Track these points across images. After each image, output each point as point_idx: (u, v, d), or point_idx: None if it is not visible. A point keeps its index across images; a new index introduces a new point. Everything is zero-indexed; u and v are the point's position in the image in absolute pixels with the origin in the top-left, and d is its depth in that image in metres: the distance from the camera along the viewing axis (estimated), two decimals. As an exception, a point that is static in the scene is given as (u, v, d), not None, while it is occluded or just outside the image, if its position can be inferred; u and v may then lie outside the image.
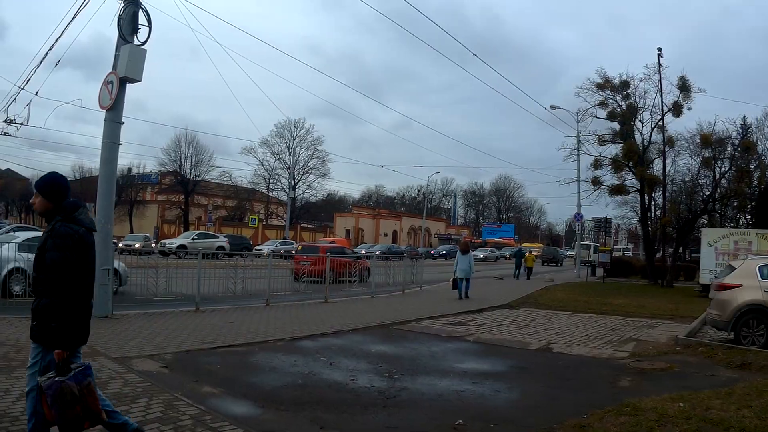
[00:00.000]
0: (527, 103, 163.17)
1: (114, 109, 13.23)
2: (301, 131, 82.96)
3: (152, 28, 13.23)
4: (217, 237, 50.80)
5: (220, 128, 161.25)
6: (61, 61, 18.02)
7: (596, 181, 39.25)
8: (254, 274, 18.77)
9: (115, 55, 13.38)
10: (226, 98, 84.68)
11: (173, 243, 44.71)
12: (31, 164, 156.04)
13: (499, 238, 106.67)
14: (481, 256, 68.02)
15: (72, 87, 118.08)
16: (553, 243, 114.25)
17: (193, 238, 47.07)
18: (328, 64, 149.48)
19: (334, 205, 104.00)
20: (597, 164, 39.18)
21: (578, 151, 40.89)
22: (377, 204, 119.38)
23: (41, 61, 18.25)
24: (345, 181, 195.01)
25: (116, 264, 15.32)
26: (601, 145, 39.52)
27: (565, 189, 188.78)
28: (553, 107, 41.11)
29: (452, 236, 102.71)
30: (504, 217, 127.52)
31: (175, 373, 8.57)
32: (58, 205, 4.74)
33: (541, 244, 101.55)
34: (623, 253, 78.94)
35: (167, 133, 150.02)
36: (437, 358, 10.99)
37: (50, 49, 17.45)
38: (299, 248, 37.37)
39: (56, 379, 4.41)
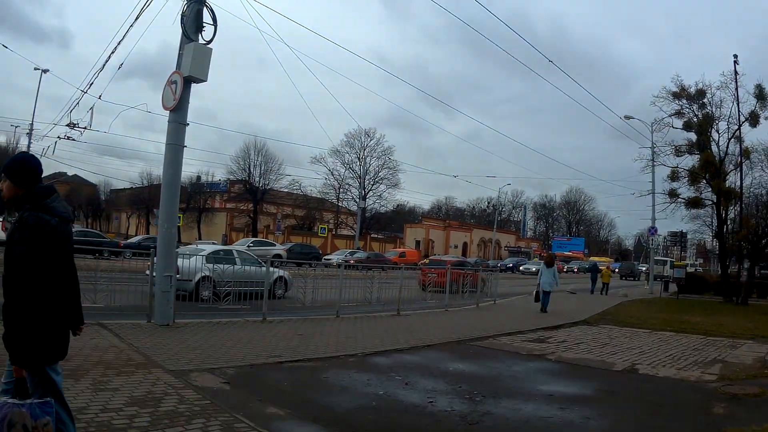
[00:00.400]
0: (598, 115, 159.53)
1: (178, 110, 12.64)
2: (372, 141, 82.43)
3: (217, 27, 12.65)
4: (274, 245, 49.72)
5: (287, 138, 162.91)
6: (129, 70, 17.87)
7: (673, 194, 37.64)
8: (324, 284, 18.06)
9: (179, 54, 12.81)
10: (293, 108, 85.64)
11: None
12: (100, 170, 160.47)
13: (569, 251, 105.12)
14: (533, 269, 66.26)
15: (140, 96, 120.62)
16: (623, 257, 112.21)
17: (249, 245, 44.62)
18: (397, 74, 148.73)
19: (403, 216, 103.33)
20: (674, 176, 37.56)
21: (653, 162, 39.14)
22: (447, 215, 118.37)
23: (104, 64, 17.92)
24: (414, 191, 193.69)
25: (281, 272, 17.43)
26: (678, 156, 37.94)
27: (635, 203, 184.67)
28: (627, 117, 39.47)
29: (522, 249, 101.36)
30: (574, 230, 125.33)
31: (238, 390, 7.80)
32: (29, 191, 3.97)
33: (610, 259, 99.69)
34: (695, 269, 76.47)
35: (235, 142, 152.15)
36: (520, 379, 10.18)
37: (113, 52, 17.03)
38: (427, 261, 39.59)
39: (9, 401, 3.62)
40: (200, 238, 67.14)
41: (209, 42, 12.65)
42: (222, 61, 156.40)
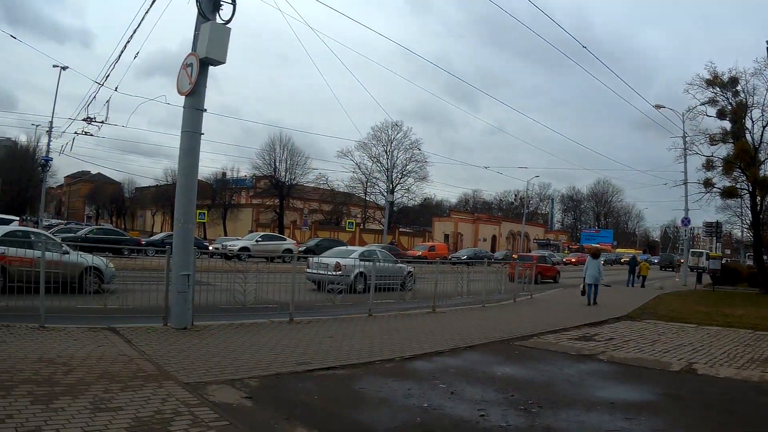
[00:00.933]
0: (622, 106, 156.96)
1: (194, 95, 11.58)
2: (399, 134, 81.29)
3: (236, 6, 11.55)
4: (285, 239, 47.91)
5: (313, 134, 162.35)
6: (150, 68, 17.08)
7: (709, 183, 36.45)
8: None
9: (195, 35, 11.70)
10: (315, 103, 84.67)
11: (235, 245, 41.66)
12: (124, 168, 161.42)
13: (597, 243, 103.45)
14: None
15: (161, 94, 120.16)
16: (650, 249, 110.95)
17: (257, 240, 43.61)
18: (420, 69, 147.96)
19: (431, 210, 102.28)
20: (709, 165, 36.40)
21: (685, 152, 38.23)
22: (475, 209, 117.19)
23: (119, 56, 17.21)
24: (442, 182, 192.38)
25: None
26: (713, 144, 36.57)
27: (663, 194, 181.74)
28: (658, 106, 38.37)
29: (551, 241, 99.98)
30: (603, 222, 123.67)
31: (261, 407, 6.74)
32: None
33: (639, 250, 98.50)
34: (726, 260, 75.19)
35: (260, 138, 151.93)
36: (574, 384, 9.17)
37: (128, 42, 16.24)
38: (515, 257, 41.84)
39: None
40: (225, 235, 66.40)
41: (227, 22, 11.55)
42: (244, 56, 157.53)
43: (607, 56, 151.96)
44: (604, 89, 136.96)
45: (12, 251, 12.42)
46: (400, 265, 21.25)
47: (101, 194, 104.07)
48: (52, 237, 15.21)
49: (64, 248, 13.52)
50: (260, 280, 13.79)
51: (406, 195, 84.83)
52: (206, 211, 61.49)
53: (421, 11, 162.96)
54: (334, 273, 17.35)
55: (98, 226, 46.82)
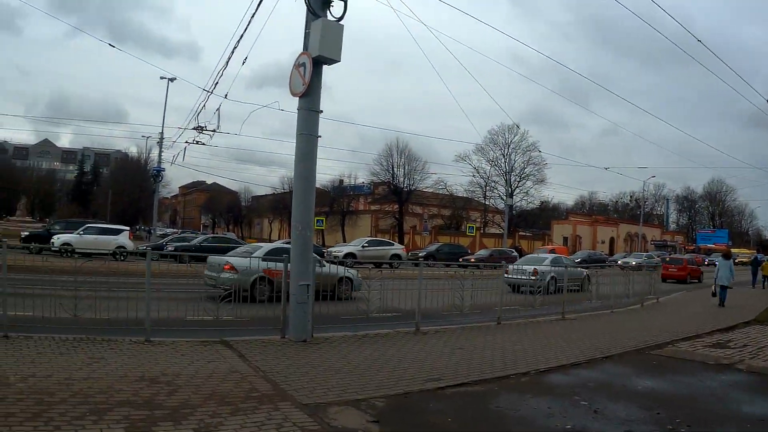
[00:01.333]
0: (735, 103, 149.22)
1: (309, 95, 10.92)
2: (516, 137, 79.53)
3: (347, 3, 10.84)
4: (392, 244, 46.37)
5: (426, 139, 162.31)
6: (262, 80, 16.57)
7: None
8: (482, 284, 15.91)
9: (305, 33, 11.02)
10: (427, 109, 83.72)
11: (340, 251, 40.94)
12: (240, 177, 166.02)
13: (713, 243, 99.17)
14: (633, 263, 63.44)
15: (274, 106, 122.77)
16: (763, 249, 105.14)
17: (363, 246, 42.36)
18: (531, 72, 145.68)
19: (548, 213, 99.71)
20: None
21: None
22: (591, 211, 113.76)
23: (227, 62, 16.80)
24: (558, 184, 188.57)
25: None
26: None
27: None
28: None
29: (668, 242, 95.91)
30: (717, 222, 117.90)
31: (389, 433, 5.94)
32: None
33: (752, 250, 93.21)
34: None
35: (376, 145, 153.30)
36: (719, 398, 8.32)
37: (235, 48, 15.87)
38: (668, 259, 43.83)
39: None
40: (344, 241, 66.50)
41: (339, 19, 10.85)
42: (355, 65, 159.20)
43: (712, 52, 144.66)
44: (712, 86, 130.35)
45: (272, 265, 13.37)
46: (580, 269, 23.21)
47: (217, 203, 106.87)
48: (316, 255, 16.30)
49: (322, 262, 14.21)
50: (385, 286, 13.12)
51: (525, 198, 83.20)
52: (324, 218, 61.75)
53: (529, 14, 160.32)
54: (531, 278, 18.28)
55: (213, 235, 47.53)
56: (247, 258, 14.54)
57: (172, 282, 12.89)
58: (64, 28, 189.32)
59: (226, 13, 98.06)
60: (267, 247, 19.77)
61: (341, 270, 15.69)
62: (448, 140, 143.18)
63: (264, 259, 14.29)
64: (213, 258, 15.71)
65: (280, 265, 11.48)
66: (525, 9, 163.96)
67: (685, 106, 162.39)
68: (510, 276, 18.27)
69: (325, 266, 14.24)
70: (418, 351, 10.25)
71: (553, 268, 21.30)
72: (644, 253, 64.38)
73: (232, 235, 73.55)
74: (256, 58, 65.40)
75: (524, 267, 20.65)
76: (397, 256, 39.06)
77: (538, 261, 24.46)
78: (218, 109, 22.27)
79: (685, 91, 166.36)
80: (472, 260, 42.87)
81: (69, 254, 12.93)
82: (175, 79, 44.99)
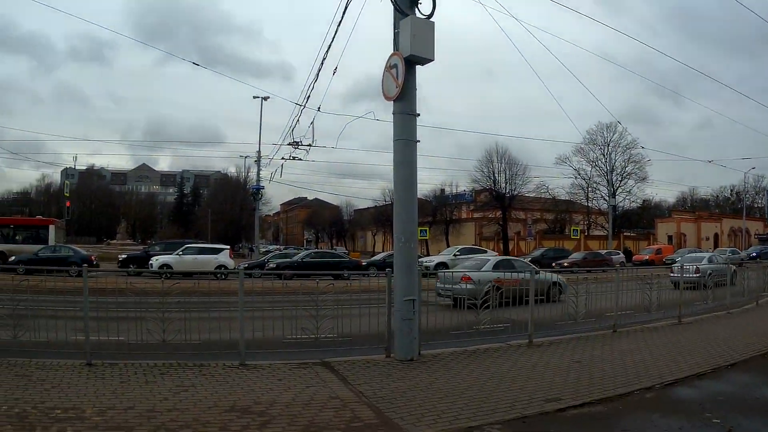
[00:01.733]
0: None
1: (404, 98, 10.29)
2: (615, 135, 77.15)
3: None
4: (485, 251, 44.52)
5: (525, 144, 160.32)
6: (359, 95, 16.09)
7: None
8: (594, 289, 14.75)
9: (395, 33, 10.38)
10: (522, 115, 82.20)
11: (431, 261, 39.71)
12: (341, 192, 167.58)
13: None
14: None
15: (371, 122, 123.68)
16: None
17: (455, 254, 41.09)
18: (620, 72, 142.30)
19: (650, 211, 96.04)
20: None
21: None
22: (693, 207, 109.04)
23: (318, 72, 16.40)
24: (658, 180, 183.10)
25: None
26: None
27: None
28: None
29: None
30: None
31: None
32: None
33: None
34: None
35: (475, 153, 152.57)
36: None
37: (324, 59, 15.44)
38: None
39: None
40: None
41: (429, 17, 10.21)
42: (448, 75, 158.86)
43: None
44: None
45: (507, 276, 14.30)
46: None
47: (319, 218, 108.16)
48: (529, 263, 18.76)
49: (535, 269, 15.00)
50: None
51: (627, 197, 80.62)
52: (428, 228, 61.25)
53: (613, 12, 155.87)
54: (694, 275, 18.72)
55: (315, 250, 47.69)
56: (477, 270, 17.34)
57: (273, 300, 12.52)
58: (156, 55, 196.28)
59: (317, 32, 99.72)
60: (495, 259, 22.14)
61: (554, 276, 17.79)
62: (548, 141, 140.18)
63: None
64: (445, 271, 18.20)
65: (509, 275, 13.14)
66: (609, 6, 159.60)
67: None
68: (674, 275, 18.52)
69: (539, 273, 14.63)
70: (532, 366, 9.44)
71: (709, 265, 23.27)
72: (728, 248, 60.51)
73: (342, 250, 74.03)
74: (348, 72, 66.03)
75: (687, 265, 21.59)
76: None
77: (697, 260, 27.17)
78: (312, 123, 22.00)
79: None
80: (565, 264, 41.46)
81: (168, 276, 12.64)
82: (269, 98, 45.73)
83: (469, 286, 13.99)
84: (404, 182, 10.33)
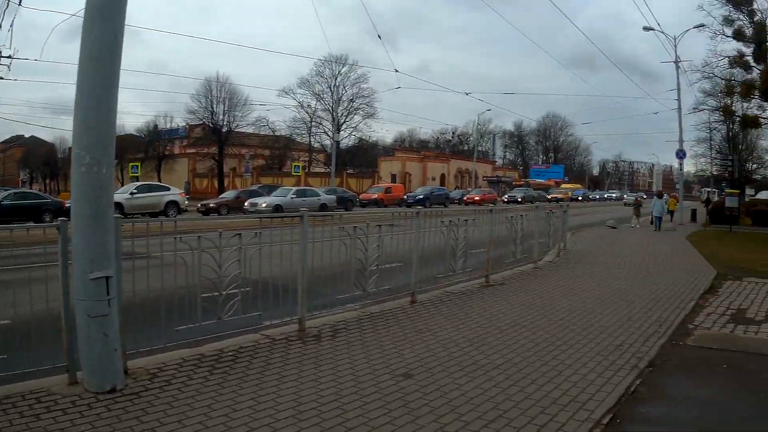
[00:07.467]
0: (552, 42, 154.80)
1: None
2: (344, 68, 75.05)
3: None
4: (168, 189, 37.41)
5: (249, 81, 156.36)
6: None
7: (728, 110, 33.30)
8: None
9: None
10: (239, 51, 77.24)
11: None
12: (59, 126, 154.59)
13: (547, 179, 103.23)
14: (518, 197, 64.16)
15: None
16: (595, 185, 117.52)
17: (131, 193, 34.34)
18: (339, 13, 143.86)
19: (366, 150, 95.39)
20: (730, 91, 33.54)
21: (678, 79, 33.91)
22: (411, 148, 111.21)
23: None
24: (380, 121, 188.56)
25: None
26: (732, 67, 33.72)
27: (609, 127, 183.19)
28: (647, 29, 33.16)
29: (501, 178, 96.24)
30: (552, 157, 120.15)
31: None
32: None
33: (577, 185, 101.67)
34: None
35: (191, 90, 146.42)
36: None
37: None
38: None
39: None
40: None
41: None
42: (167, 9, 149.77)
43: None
44: (534, 23, 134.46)
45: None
46: None
47: (34, 157, 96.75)
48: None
49: None
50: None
51: (353, 134, 79.52)
52: (140, 164, 54.79)
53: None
54: None
55: (16, 191, 40.08)
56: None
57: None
58: None
59: None
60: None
61: None
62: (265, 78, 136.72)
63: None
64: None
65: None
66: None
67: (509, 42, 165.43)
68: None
69: None
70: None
71: None
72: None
73: (29, 191, 64.81)
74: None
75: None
76: (173, 204, 33.94)
77: None
78: (12, 24, 15.50)
79: (507, 28, 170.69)
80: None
81: None
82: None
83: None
84: (98, 55, 5.37)
